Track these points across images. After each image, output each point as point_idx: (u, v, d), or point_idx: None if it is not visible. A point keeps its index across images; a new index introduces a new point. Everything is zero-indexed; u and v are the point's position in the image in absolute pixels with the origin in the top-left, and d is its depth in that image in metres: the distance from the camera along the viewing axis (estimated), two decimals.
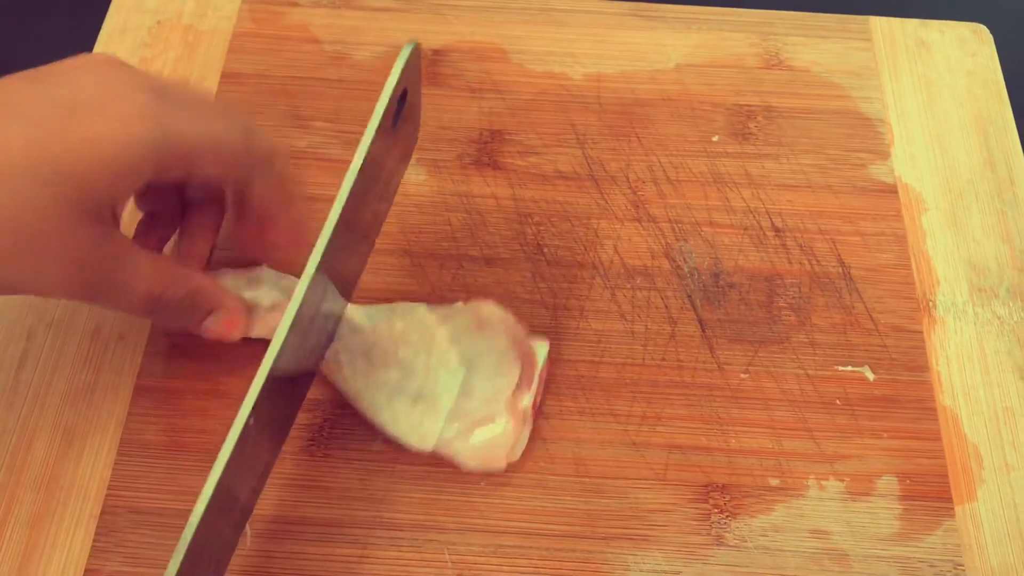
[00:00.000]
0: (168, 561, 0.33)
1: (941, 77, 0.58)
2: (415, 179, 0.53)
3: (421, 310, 0.45)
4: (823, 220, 0.52)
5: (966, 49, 0.59)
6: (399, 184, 0.47)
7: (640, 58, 0.58)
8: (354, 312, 0.45)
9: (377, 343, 0.44)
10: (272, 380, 0.36)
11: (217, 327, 0.43)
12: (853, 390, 0.47)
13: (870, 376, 0.48)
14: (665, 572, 0.43)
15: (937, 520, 0.44)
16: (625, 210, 0.52)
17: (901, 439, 0.46)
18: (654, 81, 0.57)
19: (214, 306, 0.43)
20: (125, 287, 0.40)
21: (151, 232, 0.45)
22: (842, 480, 0.45)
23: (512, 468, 0.44)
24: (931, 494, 0.45)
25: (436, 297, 0.49)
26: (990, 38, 0.60)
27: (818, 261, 0.51)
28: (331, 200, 0.38)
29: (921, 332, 0.49)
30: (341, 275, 0.42)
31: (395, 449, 0.44)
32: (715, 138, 0.55)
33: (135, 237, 0.45)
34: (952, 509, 0.45)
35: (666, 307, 0.49)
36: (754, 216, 0.52)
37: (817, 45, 0.59)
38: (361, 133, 0.38)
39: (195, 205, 0.45)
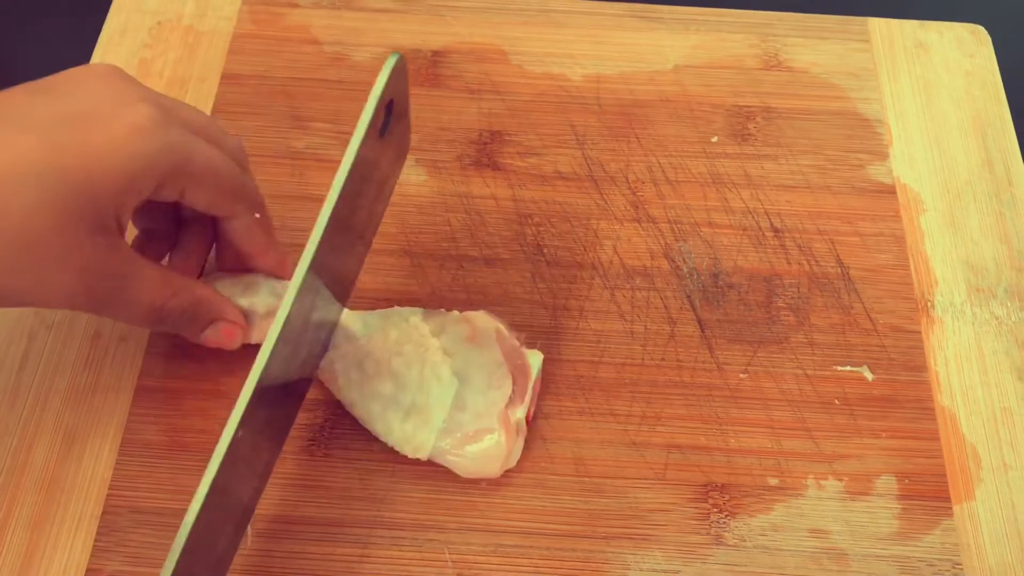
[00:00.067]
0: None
1: (939, 78, 0.58)
2: (415, 180, 0.53)
3: (416, 318, 0.45)
4: (822, 221, 0.53)
5: (964, 50, 0.59)
6: (395, 185, 0.47)
7: (639, 59, 0.58)
8: (349, 319, 0.45)
9: (371, 353, 0.44)
10: (266, 387, 0.36)
11: (217, 337, 0.44)
12: (852, 390, 0.48)
13: (869, 376, 0.48)
14: (665, 571, 0.43)
15: (935, 519, 0.44)
16: (624, 211, 0.52)
17: (899, 439, 0.46)
18: (653, 82, 0.57)
19: (215, 316, 0.43)
20: (130, 297, 0.40)
21: (147, 249, 0.45)
22: (841, 480, 0.45)
23: (512, 469, 0.44)
24: (929, 494, 0.45)
25: (436, 297, 0.49)
26: (988, 39, 0.60)
27: (817, 261, 0.51)
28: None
29: (919, 332, 0.49)
30: (335, 280, 0.42)
31: (395, 449, 0.44)
32: (714, 139, 0.55)
33: None
34: (950, 508, 0.45)
35: (665, 307, 0.50)
36: (753, 217, 0.53)
37: (816, 46, 0.59)
38: None
39: (189, 221, 0.45)
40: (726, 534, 0.44)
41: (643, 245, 0.51)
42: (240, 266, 0.45)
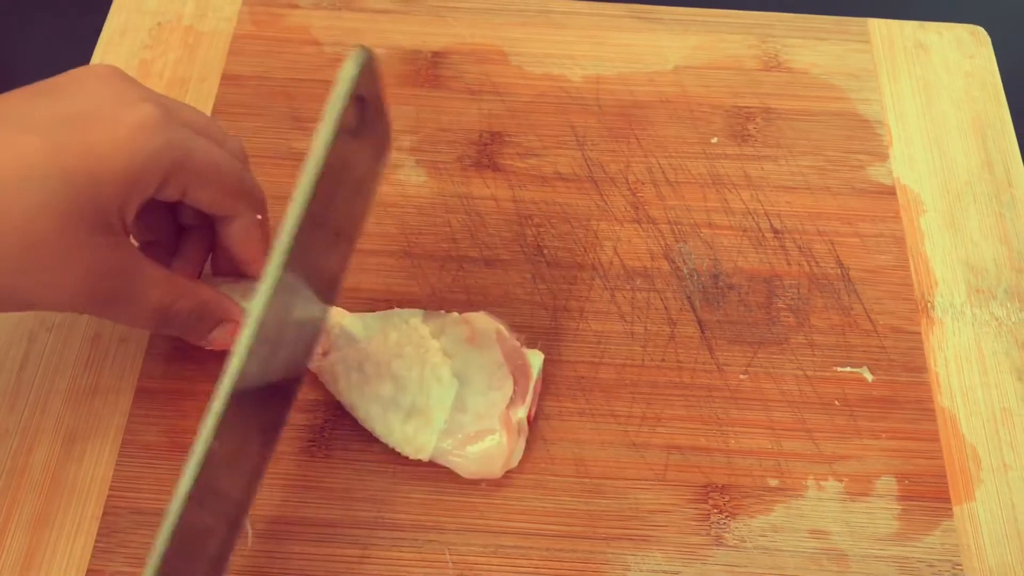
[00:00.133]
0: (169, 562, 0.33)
1: (939, 79, 0.58)
2: (415, 180, 0.53)
3: (415, 320, 0.45)
4: (822, 221, 0.53)
5: (964, 51, 0.59)
6: (377, 184, 0.46)
7: (638, 60, 0.58)
8: (349, 321, 0.45)
9: (371, 355, 0.44)
10: (246, 389, 0.35)
11: (224, 338, 0.43)
12: (852, 391, 0.48)
13: (868, 377, 0.48)
14: (665, 572, 0.43)
15: (935, 520, 0.45)
16: (625, 212, 0.52)
17: (899, 440, 0.46)
18: (652, 83, 0.57)
19: (222, 317, 0.43)
20: (135, 297, 0.40)
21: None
22: (841, 480, 0.45)
23: (512, 470, 0.44)
24: (929, 494, 0.45)
25: (436, 298, 0.49)
26: (988, 40, 0.60)
27: (817, 262, 0.51)
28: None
29: (919, 333, 0.49)
30: (316, 278, 0.42)
31: (395, 450, 0.44)
32: (714, 140, 0.55)
33: None
34: (950, 509, 0.45)
35: (665, 308, 0.50)
36: (753, 218, 0.53)
37: (816, 47, 0.59)
38: None
39: (188, 230, 0.45)
40: (726, 535, 0.44)
41: (643, 246, 0.51)
42: (236, 273, 0.45)
